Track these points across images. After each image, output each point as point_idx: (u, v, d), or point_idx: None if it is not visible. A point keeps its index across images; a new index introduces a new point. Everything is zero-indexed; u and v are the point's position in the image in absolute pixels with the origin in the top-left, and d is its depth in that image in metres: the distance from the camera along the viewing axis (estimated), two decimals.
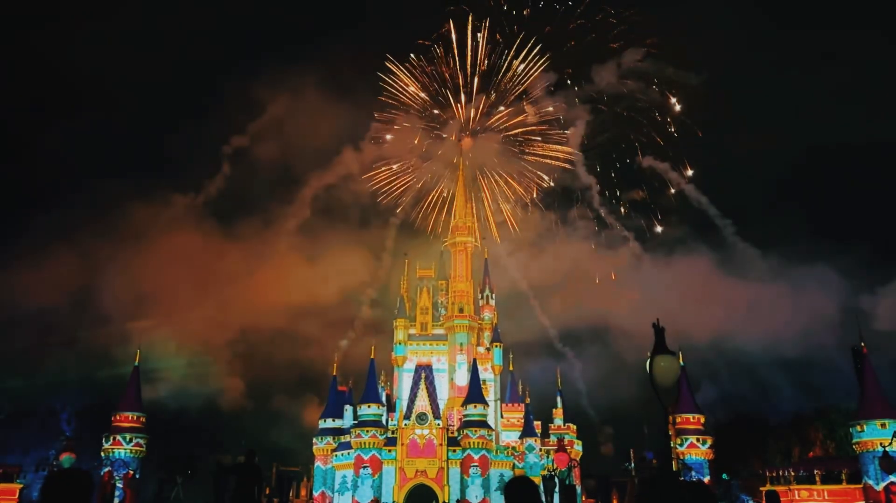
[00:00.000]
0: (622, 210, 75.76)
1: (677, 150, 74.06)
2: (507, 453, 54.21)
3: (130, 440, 51.47)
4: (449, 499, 50.06)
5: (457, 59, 74.54)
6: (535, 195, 74.77)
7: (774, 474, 51.65)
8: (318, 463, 56.35)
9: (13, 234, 68.36)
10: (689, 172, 72.57)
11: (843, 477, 48.61)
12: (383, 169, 73.70)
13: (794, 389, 65.05)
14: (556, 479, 37.72)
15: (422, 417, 53.23)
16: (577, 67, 74.33)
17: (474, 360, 56.93)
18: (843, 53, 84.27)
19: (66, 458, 45.99)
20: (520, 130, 74.50)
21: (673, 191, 73.89)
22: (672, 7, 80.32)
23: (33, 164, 78.87)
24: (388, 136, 76.36)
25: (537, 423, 56.57)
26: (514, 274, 71.04)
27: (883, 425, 46.15)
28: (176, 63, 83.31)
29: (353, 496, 51.71)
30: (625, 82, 73.91)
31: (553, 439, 54.53)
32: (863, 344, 49.95)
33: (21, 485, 48.24)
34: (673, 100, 73.49)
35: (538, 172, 73.15)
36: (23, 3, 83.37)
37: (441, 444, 52.34)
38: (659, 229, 74.92)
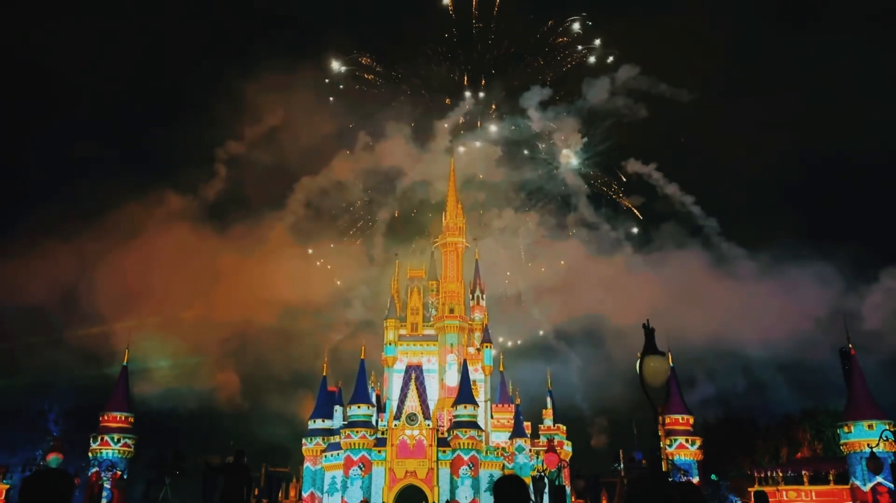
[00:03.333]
0: (613, 213, 76.17)
1: (664, 154, 74.72)
2: (497, 454, 54.21)
3: (118, 440, 51.15)
4: (438, 500, 50.01)
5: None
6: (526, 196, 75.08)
7: (763, 475, 51.86)
8: (307, 463, 56.19)
9: (4, 231, 67.93)
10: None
11: (831, 477, 48.85)
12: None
13: (783, 390, 65.36)
14: (546, 480, 37.70)
15: (412, 418, 53.15)
16: (571, 82, 75.68)
17: (464, 361, 56.92)
18: (834, 54, 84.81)
19: (53, 459, 45.58)
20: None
21: (660, 193, 74.44)
22: (666, 19, 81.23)
23: (27, 162, 78.54)
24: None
25: (527, 424, 56.57)
26: (506, 275, 71.10)
27: (870, 426, 46.35)
28: (172, 62, 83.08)
29: (342, 497, 51.57)
30: (616, 97, 75.08)
31: (543, 440, 54.61)
32: (850, 345, 50.14)
33: (8, 486, 47.78)
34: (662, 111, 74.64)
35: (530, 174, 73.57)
36: (18, 1, 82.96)
37: (431, 445, 52.29)
38: (648, 231, 75.30)
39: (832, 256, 67.61)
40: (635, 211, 75.30)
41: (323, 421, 56.82)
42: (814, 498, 49.01)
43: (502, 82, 78.29)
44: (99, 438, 51.18)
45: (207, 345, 67.76)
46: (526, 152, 75.07)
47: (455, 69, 78.19)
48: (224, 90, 75.51)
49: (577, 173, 74.90)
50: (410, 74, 78.79)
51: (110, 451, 50.79)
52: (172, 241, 67.54)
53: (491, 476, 52.09)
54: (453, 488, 51.20)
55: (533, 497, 43.83)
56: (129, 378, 54.28)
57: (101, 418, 51.97)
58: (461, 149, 74.79)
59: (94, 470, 49.94)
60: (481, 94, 79.66)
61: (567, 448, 57.52)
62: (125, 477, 50.81)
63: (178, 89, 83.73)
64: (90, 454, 50.97)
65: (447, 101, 78.69)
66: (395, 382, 58.66)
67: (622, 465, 54.32)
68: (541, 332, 68.18)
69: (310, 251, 69.21)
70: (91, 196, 69.92)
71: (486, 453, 53.64)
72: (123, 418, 52.06)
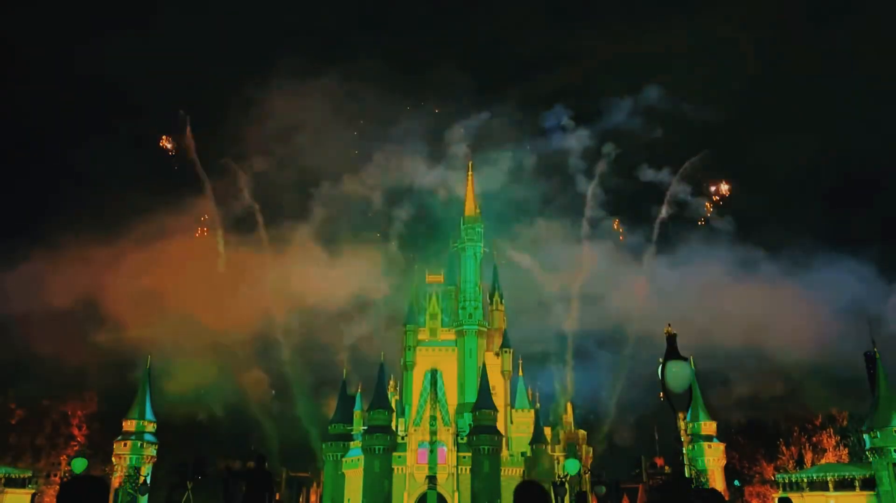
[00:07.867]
0: (635, 220, 75.92)
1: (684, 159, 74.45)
2: (517, 459, 54.06)
3: (141, 445, 51.68)
4: None
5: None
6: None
7: (787, 480, 51.20)
8: (327, 468, 56.38)
9: (30, 238, 69.03)
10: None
11: (857, 483, 48.11)
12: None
13: (810, 393, 64.37)
14: (567, 485, 37.52)
15: (431, 422, 53.17)
16: (592, 103, 76.23)
17: (483, 366, 56.85)
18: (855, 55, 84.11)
19: (77, 463, 46.08)
20: None
21: (680, 199, 74.19)
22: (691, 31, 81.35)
23: (53, 171, 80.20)
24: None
25: (547, 429, 56.40)
26: (525, 279, 70.85)
27: None
28: (194, 73, 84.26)
29: (362, 501, 51.69)
30: (637, 116, 75.49)
31: (563, 445, 54.39)
32: (875, 349, 49.41)
33: (32, 491, 48.41)
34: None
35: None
36: (49, 18, 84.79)
37: (450, 450, 52.27)
38: (670, 236, 74.86)
39: (855, 258, 66.73)
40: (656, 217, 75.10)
41: (343, 425, 57.04)
42: None
43: (523, 95, 79.05)
44: (122, 443, 51.75)
45: (229, 350, 68.27)
46: (547, 163, 75.34)
47: (476, 79, 78.95)
48: (246, 97, 76.67)
49: (599, 182, 74.91)
50: (432, 83, 79.44)
51: (133, 456, 51.32)
52: (196, 247, 68.27)
53: (510, 481, 51.96)
54: (473, 493, 51.11)
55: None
56: (152, 383, 54.85)
57: (124, 423, 52.55)
58: (480, 156, 75.19)
59: (117, 474, 50.49)
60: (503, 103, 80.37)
61: (588, 453, 57.23)
62: (148, 481, 51.29)
63: (199, 97, 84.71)
64: (114, 459, 51.52)
65: (468, 109, 79.44)
66: (414, 387, 58.73)
67: (644, 470, 54.02)
68: (560, 337, 67.74)
69: (330, 256, 69.54)
70: (116, 203, 71.02)
71: (506, 458, 53.52)
72: (146, 423, 52.63)
